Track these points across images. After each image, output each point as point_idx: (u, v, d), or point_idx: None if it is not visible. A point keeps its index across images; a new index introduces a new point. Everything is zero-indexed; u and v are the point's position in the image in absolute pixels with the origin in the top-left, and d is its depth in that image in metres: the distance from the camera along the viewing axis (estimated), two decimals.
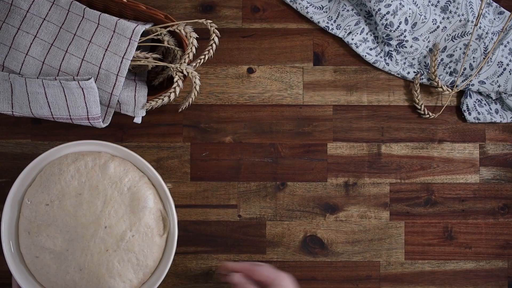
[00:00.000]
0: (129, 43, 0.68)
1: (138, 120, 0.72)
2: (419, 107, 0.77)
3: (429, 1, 0.76)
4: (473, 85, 0.76)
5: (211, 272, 0.76)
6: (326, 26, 0.77)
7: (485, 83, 0.76)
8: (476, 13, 0.75)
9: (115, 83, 0.68)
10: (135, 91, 0.71)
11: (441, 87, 0.76)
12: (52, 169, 0.69)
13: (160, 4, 0.78)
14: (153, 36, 0.71)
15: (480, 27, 0.75)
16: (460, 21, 0.76)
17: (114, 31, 0.68)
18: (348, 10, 0.77)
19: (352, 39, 0.77)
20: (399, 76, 0.78)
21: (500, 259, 0.78)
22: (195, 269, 0.76)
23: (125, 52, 0.67)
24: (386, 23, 0.73)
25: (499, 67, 0.75)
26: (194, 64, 0.71)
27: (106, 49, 0.68)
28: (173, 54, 0.73)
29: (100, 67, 0.68)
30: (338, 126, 0.78)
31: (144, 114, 0.72)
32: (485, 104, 0.78)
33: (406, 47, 0.76)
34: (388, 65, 0.77)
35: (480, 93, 0.78)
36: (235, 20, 0.78)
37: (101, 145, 0.70)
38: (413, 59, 0.78)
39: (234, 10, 0.78)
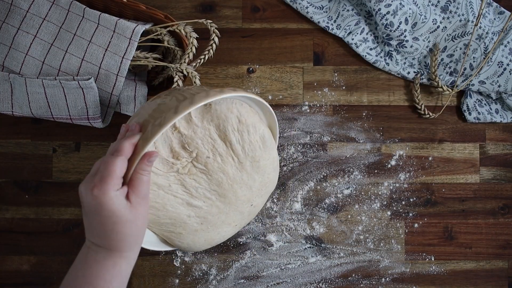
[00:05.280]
0: (129, 43, 0.67)
1: None
2: (419, 107, 0.77)
3: (429, 1, 0.76)
4: (473, 85, 0.76)
5: (210, 272, 0.76)
6: (326, 26, 0.77)
7: (485, 83, 0.76)
8: (476, 13, 0.75)
9: (115, 83, 0.68)
10: (135, 91, 0.71)
11: (441, 87, 0.76)
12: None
13: (160, 4, 0.78)
14: (153, 36, 0.70)
15: (480, 27, 0.75)
16: (460, 21, 0.76)
17: (114, 31, 0.68)
18: (348, 10, 0.77)
19: (352, 39, 0.77)
20: (399, 76, 0.78)
21: (500, 259, 0.77)
22: (196, 269, 0.76)
23: (125, 52, 0.67)
24: (386, 23, 0.73)
25: (499, 67, 0.75)
26: (194, 64, 0.71)
27: (106, 49, 0.68)
28: (173, 54, 0.73)
29: (100, 67, 0.68)
30: (338, 126, 0.78)
31: None
32: (485, 104, 0.78)
33: (406, 47, 0.76)
34: (388, 65, 0.77)
35: (480, 93, 0.78)
36: (235, 20, 0.78)
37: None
38: (413, 59, 0.78)
39: (234, 10, 0.78)
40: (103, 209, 0.48)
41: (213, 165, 0.60)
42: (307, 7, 0.77)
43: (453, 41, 0.76)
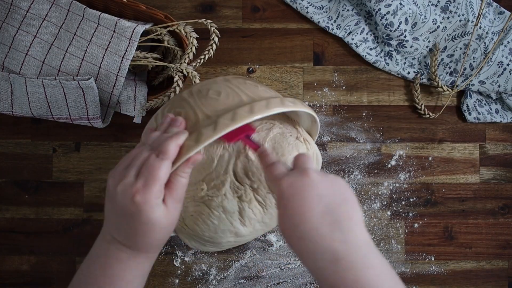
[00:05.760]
0: (129, 43, 0.67)
1: (138, 120, 0.72)
2: (419, 107, 0.77)
3: (429, 1, 0.76)
4: (473, 85, 0.76)
5: (210, 272, 0.76)
6: (326, 26, 0.77)
7: (485, 83, 0.76)
8: (476, 13, 0.75)
9: (115, 83, 0.68)
10: (135, 91, 0.71)
11: (441, 87, 0.76)
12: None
13: (160, 4, 0.78)
14: (153, 36, 0.70)
15: (480, 27, 0.75)
16: (460, 21, 0.76)
17: (114, 31, 0.68)
18: (348, 10, 0.77)
19: (352, 39, 0.77)
20: (399, 76, 0.78)
21: (500, 259, 0.77)
22: (196, 269, 0.76)
23: (125, 52, 0.67)
24: (386, 23, 0.73)
25: (499, 67, 0.75)
26: (194, 64, 0.71)
27: (106, 49, 0.68)
28: (173, 54, 0.73)
29: (100, 67, 0.68)
30: (338, 126, 0.78)
31: (144, 114, 0.72)
32: (485, 104, 0.78)
33: (406, 47, 0.76)
34: (388, 65, 0.77)
35: (480, 93, 0.78)
36: (235, 20, 0.78)
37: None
38: (413, 59, 0.78)
39: (234, 10, 0.78)
40: (141, 216, 0.45)
41: (271, 201, 0.55)
42: (307, 7, 0.77)
43: (453, 41, 0.76)
